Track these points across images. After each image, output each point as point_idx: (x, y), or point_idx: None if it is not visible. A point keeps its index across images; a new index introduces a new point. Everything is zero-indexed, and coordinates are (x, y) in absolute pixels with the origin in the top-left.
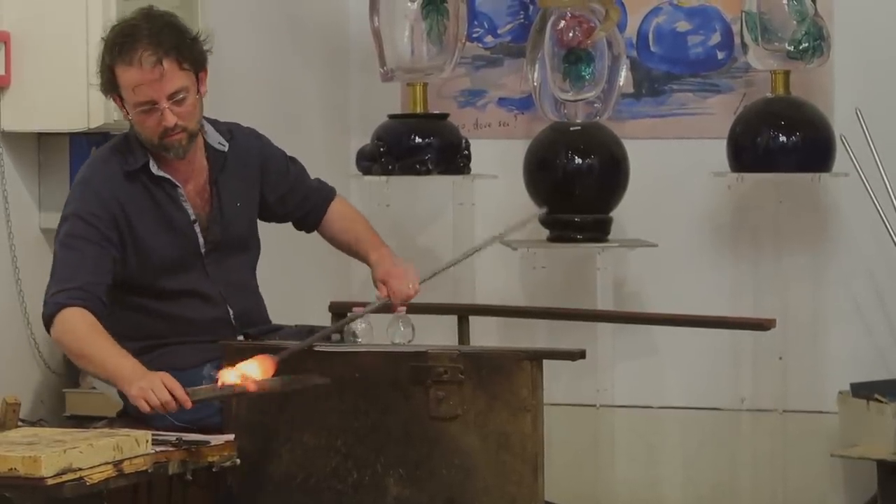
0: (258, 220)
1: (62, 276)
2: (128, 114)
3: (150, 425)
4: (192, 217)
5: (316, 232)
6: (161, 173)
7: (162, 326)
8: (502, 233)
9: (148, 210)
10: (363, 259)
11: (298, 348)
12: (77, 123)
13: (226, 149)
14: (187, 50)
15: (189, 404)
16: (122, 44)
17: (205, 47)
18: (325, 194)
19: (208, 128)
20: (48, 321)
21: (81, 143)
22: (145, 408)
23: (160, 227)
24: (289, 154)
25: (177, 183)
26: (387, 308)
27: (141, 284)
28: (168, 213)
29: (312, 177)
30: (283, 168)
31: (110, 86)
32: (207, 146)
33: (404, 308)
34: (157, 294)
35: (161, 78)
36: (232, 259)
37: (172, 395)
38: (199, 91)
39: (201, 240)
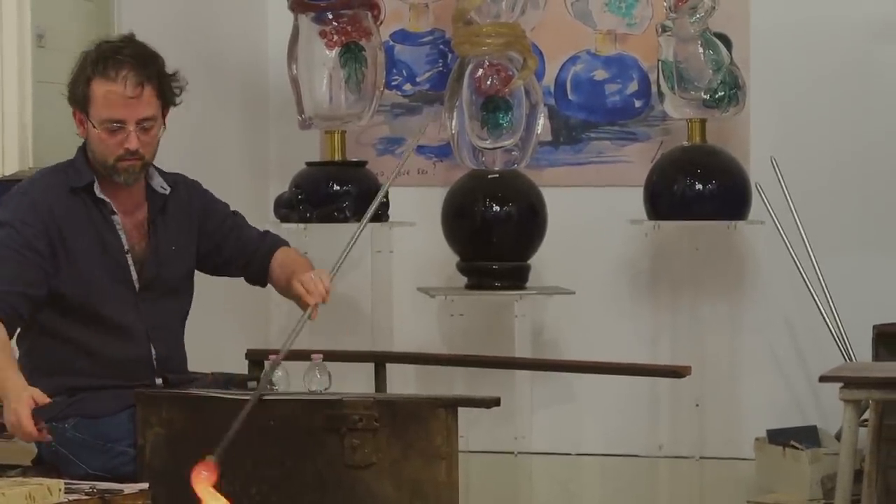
0: (204, 273)
1: None
2: (85, 131)
3: (63, 474)
4: (126, 247)
5: (269, 285)
6: (102, 196)
7: (83, 363)
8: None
9: (84, 229)
10: (293, 288)
11: (227, 442)
12: None
13: (167, 192)
14: (167, 82)
15: (44, 440)
16: (108, 59)
17: (178, 88)
18: (265, 246)
19: (153, 171)
20: None
21: None
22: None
23: (94, 249)
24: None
25: (115, 210)
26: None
27: (72, 306)
28: (103, 236)
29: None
30: (221, 219)
31: (81, 99)
32: (149, 187)
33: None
34: (85, 320)
35: (138, 100)
36: (164, 302)
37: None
38: (163, 124)
39: (135, 274)
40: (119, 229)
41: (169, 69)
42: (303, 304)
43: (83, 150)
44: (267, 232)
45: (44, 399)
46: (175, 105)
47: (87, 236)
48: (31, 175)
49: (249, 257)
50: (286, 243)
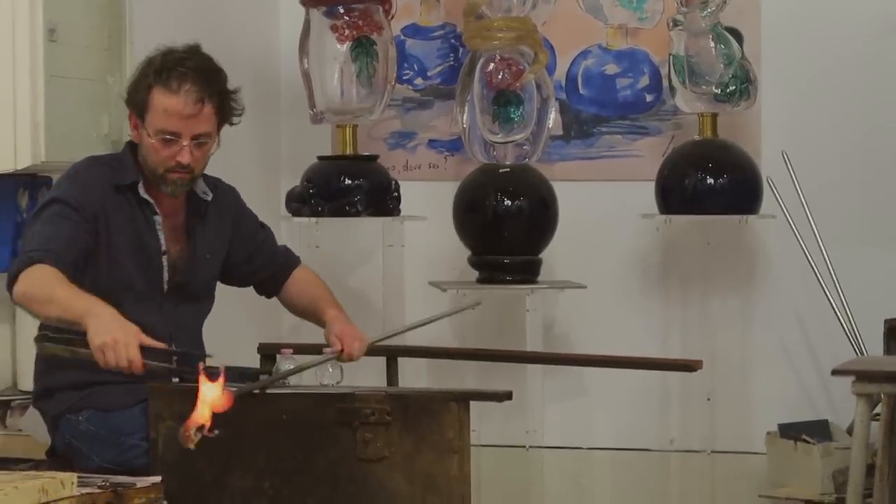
0: (220, 282)
1: (36, 243)
2: (139, 136)
3: (76, 467)
4: (163, 248)
5: (276, 298)
6: (146, 196)
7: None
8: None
9: (126, 226)
10: (319, 316)
11: (251, 389)
12: (4, 165)
13: (209, 198)
14: (227, 100)
15: (137, 370)
16: (171, 70)
17: (237, 108)
18: (289, 261)
19: None
20: (14, 277)
21: (8, 184)
22: (103, 364)
23: (133, 247)
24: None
25: (157, 210)
26: (333, 361)
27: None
28: (142, 235)
29: (279, 238)
30: (253, 231)
31: (139, 104)
32: (191, 192)
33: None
34: None
35: (197, 116)
36: (188, 305)
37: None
38: (216, 141)
39: (166, 275)
40: (159, 230)
41: (231, 86)
42: (329, 342)
43: (131, 147)
44: (287, 248)
45: (150, 342)
46: (232, 125)
47: (126, 234)
48: (78, 162)
49: (273, 271)
50: (299, 261)
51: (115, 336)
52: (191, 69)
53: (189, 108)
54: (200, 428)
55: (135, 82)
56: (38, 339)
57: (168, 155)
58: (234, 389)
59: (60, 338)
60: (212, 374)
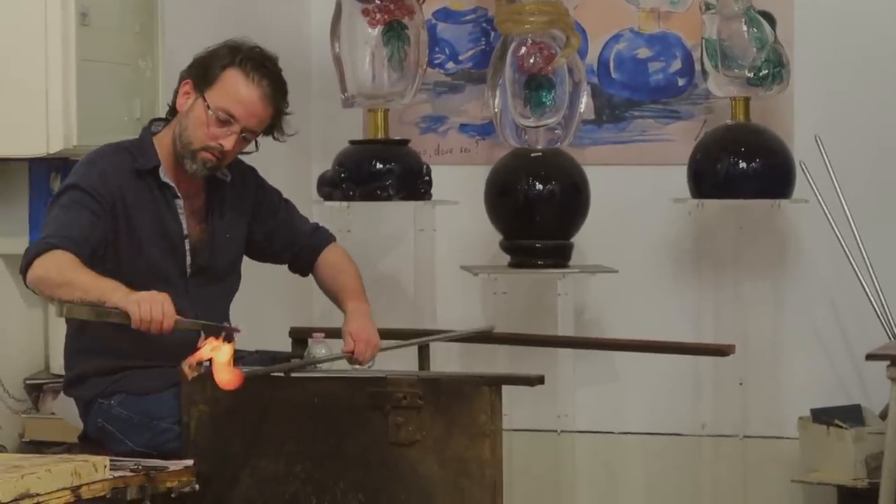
0: (249, 258)
1: (52, 230)
2: (185, 104)
3: (109, 450)
4: (185, 232)
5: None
6: (167, 180)
7: (129, 346)
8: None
9: (147, 212)
10: (342, 307)
11: (263, 373)
12: (36, 149)
13: (228, 179)
14: (281, 114)
15: (169, 329)
16: (256, 63)
17: (283, 132)
18: (317, 241)
19: None
20: (30, 262)
21: (41, 168)
22: (136, 317)
23: (155, 232)
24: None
25: (178, 194)
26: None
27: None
28: (164, 221)
29: (311, 221)
30: (275, 207)
31: (207, 76)
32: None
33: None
34: None
35: (259, 115)
36: (212, 287)
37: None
38: (256, 145)
39: (189, 259)
40: (181, 214)
41: (288, 109)
42: (343, 338)
43: (149, 132)
44: (317, 226)
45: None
46: (275, 140)
47: (149, 219)
48: (97, 149)
49: (298, 251)
50: (334, 238)
51: (146, 296)
52: (271, 72)
53: (258, 102)
54: (199, 364)
55: (207, 57)
56: (61, 302)
57: (213, 134)
58: (245, 370)
59: (84, 300)
60: (229, 337)
